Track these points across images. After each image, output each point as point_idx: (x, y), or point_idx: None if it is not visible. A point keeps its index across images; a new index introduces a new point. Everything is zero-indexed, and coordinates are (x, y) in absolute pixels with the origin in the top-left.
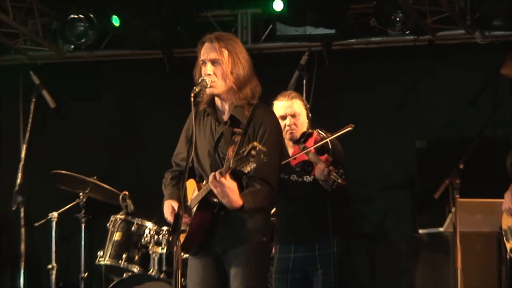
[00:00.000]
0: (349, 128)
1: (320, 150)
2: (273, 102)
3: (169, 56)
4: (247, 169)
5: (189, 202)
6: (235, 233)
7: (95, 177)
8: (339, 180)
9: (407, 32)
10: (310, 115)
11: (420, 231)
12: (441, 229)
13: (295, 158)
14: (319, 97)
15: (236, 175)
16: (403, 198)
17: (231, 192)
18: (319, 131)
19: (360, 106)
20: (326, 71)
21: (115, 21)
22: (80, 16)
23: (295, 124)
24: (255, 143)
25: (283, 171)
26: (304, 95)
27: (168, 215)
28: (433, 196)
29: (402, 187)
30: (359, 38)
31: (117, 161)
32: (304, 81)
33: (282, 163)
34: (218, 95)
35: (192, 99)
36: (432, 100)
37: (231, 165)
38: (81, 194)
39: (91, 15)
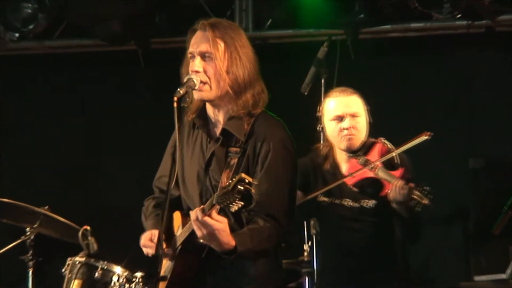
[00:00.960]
0: (425, 137)
1: (387, 166)
2: (324, 99)
3: (145, 48)
4: (234, 208)
5: (176, 240)
6: (231, 282)
7: (46, 207)
8: (424, 201)
9: (458, 16)
10: (371, 120)
11: (476, 278)
12: (504, 276)
13: (353, 176)
14: None
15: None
16: (453, 234)
17: (219, 233)
18: (384, 141)
19: (395, 112)
20: (352, 66)
21: None
22: None
23: (355, 127)
24: (243, 175)
25: (332, 194)
26: (322, 98)
27: (147, 241)
28: (492, 231)
29: (452, 220)
30: (395, 23)
31: (76, 187)
32: (323, 80)
33: (335, 184)
34: (210, 101)
35: (175, 104)
36: (491, 106)
37: (214, 202)
38: (28, 229)
39: None
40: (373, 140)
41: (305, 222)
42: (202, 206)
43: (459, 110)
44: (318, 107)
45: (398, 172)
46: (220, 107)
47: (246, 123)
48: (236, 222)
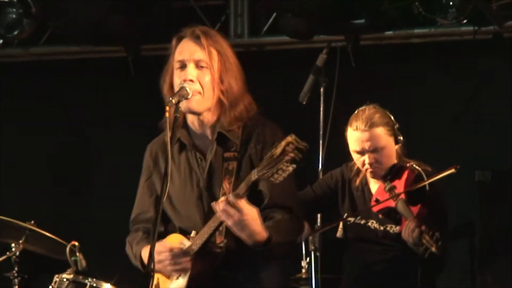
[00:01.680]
0: (453, 170)
1: (414, 196)
2: (348, 123)
3: (135, 54)
4: (282, 176)
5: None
6: None
7: (32, 222)
8: (433, 249)
9: (464, 21)
10: (400, 137)
11: None
12: None
13: (377, 202)
14: (342, 110)
15: None
16: (458, 249)
17: (253, 221)
18: (414, 166)
19: (397, 122)
20: (352, 74)
21: None
22: None
23: (377, 161)
24: (293, 136)
25: (359, 214)
26: (321, 107)
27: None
28: (499, 248)
29: (457, 234)
30: (397, 29)
31: (63, 200)
32: (322, 89)
33: (363, 209)
34: (198, 113)
35: (167, 114)
36: (499, 116)
37: (253, 178)
38: (13, 245)
39: None
40: (404, 164)
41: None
42: (233, 192)
43: (465, 120)
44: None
45: (416, 209)
46: (208, 120)
47: (237, 128)
48: None
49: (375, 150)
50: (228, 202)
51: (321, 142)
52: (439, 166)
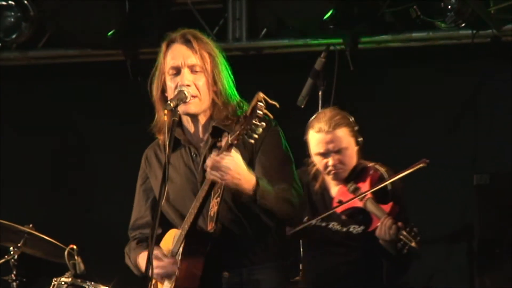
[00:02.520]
0: (423, 165)
1: (379, 195)
2: (309, 126)
3: (134, 58)
4: (255, 136)
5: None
6: None
7: (31, 225)
8: (413, 244)
9: (463, 25)
10: (360, 139)
11: None
12: None
13: (341, 203)
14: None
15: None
16: (456, 253)
17: (238, 167)
18: (377, 166)
19: (396, 126)
20: (350, 78)
21: None
22: (10, 2)
23: (341, 162)
24: (261, 94)
25: (323, 216)
26: (318, 110)
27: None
28: (497, 250)
29: (455, 238)
30: (395, 33)
31: (61, 204)
32: (320, 93)
33: (326, 214)
34: (195, 115)
35: (165, 118)
36: (497, 120)
37: (229, 141)
38: (11, 248)
39: (25, 2)
40: (365, 165)
41: (301, 242)
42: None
43: (463, 124)
44: (306, 131)
45: (387, 207)
46: (202, 120)
47: (231, 122)
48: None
49: (339, 151)
50: (211, 160)
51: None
52: (438, 169)
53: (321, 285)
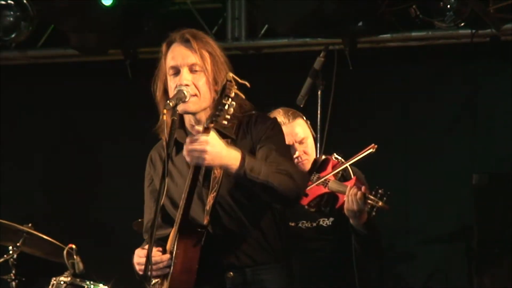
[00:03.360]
0: (371, 150)
1: (341, 180)
2: None
3: (133, 57)
4: (227, 116)
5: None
6: None
7: (30, 224)
8: (380, 203)
9: (462, 24)
10: (313, 133)
11: None
12: None
13: (307, 195)
14: (339, 113)
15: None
16: (455, 253)
17: (214, 145)
18: (336, 156)
19: (395, 126)
20: (350, 77)
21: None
22: (9, 1)
23: (305, 152)
24: (229, 74)
25: (288, 217)
26: (319, 110)
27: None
28: (496, 250)
29: (454, 238)
30: (395, 32)
31: (60, 203)
32: (319, 92)
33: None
34: (194, 113)
35: (164, 117)
36: (496, 119)
37: (206, 125)
38: (10, 248)
39: (25, 1)
40: (326, 156)
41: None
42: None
43: (462, 123)
44: None
45: (351, 182)
46: (202, 118)
47: (232, 125)
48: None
49: (302, 140)
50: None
51: (318, 145)
52: (437, 169)
53: (298, 284)
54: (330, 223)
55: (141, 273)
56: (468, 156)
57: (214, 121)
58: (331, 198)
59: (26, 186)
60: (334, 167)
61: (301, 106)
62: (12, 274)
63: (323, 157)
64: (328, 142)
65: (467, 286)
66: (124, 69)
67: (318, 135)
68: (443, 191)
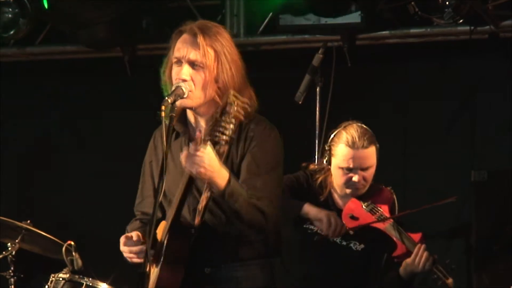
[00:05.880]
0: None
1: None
2: (338, 137)
3: (131, 54)
4: (227, 131)
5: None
6: None
7: (28, 221)
8: (449, 281)
9: (461, 21)
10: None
11: None
12: None
13: (353, 218)
14: (338, 110)
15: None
16: (454, 249)
17: (212, 161)
18: (390, 189)
19: (394, 123)
20: (348, 74)
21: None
22: None
23: (365, 179)
24: (231, 92)
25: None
26: (317, 107)
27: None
28: (495, 247)
29: (453, 235)
30: (393, 29)
31: (58, 200)
32: (318, 89)
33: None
34: (192, 109)
35: (162, 114)
36: (495, 116)
37: (203, 136)
38: (9, 244)
39: None
40: (381, 186)
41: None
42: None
43: (461, 120)
44: (330, 136)
45: (417, 236)
46: (203, 114)
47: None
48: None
49: (367, 168)
50: (187, 152)
51: (317, 142)
52: (436, 165)
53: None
54: (359, 249)
55: (129, 260)
56: (467, 152)
57: (211, 140)
58: (382, 236)
59: (25, 183)
60: (386, 200)
61: (300, 103)
62: (10, 271)
63: (380, 185)
64: (326, 138)
65: (466, 283)
66: (123, 66)
67: (317, 132)
68: (442, 187)
